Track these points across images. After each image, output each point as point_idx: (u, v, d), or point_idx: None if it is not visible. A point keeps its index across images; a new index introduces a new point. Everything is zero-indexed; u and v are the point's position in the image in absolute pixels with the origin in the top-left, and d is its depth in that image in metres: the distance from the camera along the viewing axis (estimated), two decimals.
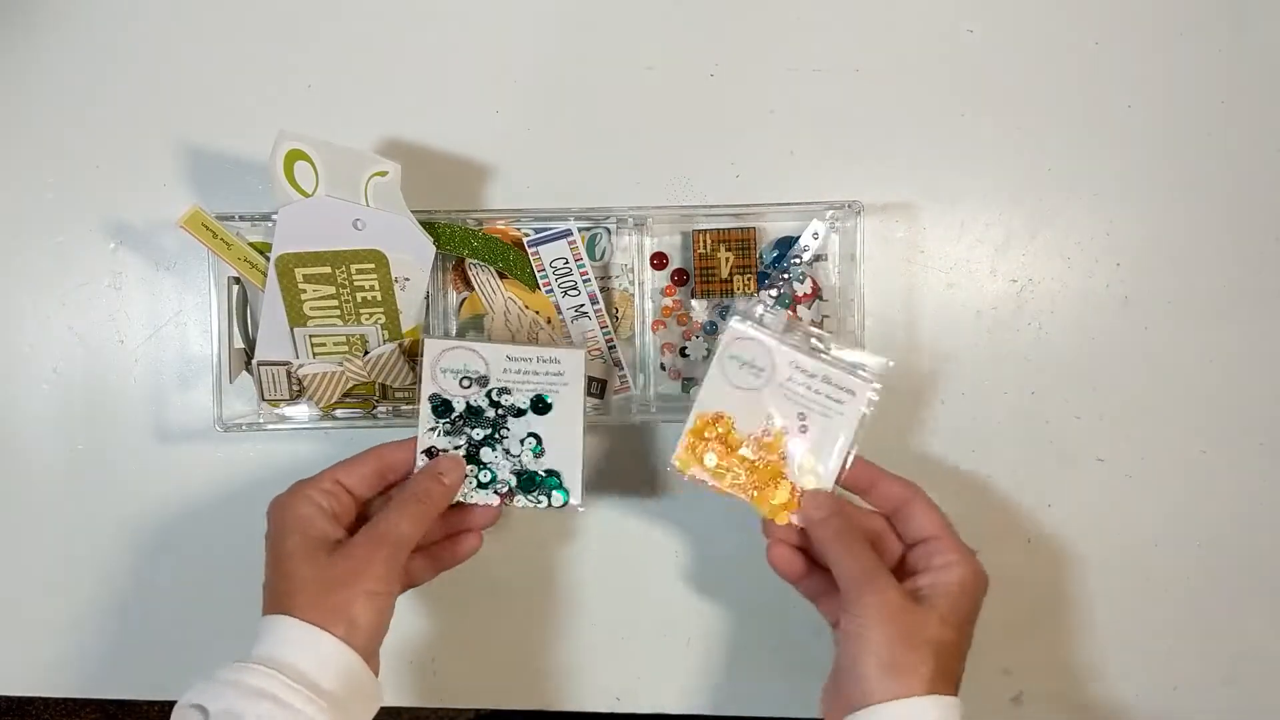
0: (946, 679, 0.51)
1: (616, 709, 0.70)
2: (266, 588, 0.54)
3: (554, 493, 0.60)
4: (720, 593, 0.69)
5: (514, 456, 0.59)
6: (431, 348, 0.59)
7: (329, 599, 0.51)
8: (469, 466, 0.59)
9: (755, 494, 0.59)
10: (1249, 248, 0.68)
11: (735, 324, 0.58)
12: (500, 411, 0.59)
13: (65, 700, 1.41)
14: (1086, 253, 0.68)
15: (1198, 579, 0.69)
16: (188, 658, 0.70)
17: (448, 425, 0.59)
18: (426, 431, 0.59)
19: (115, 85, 0.68)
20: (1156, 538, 0.69)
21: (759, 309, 0.58)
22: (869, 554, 0.55)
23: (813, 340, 0.58)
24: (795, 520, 0.58)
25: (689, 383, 0.66)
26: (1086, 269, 0.68)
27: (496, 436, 0.60)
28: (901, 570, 0.57)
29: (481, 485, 0.60)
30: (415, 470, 0.59)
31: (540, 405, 0.59)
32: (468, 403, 0.59)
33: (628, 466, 0.69)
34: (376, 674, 0.54)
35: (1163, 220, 0.68)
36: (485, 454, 0.59)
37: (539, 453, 0.60)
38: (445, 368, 0.59)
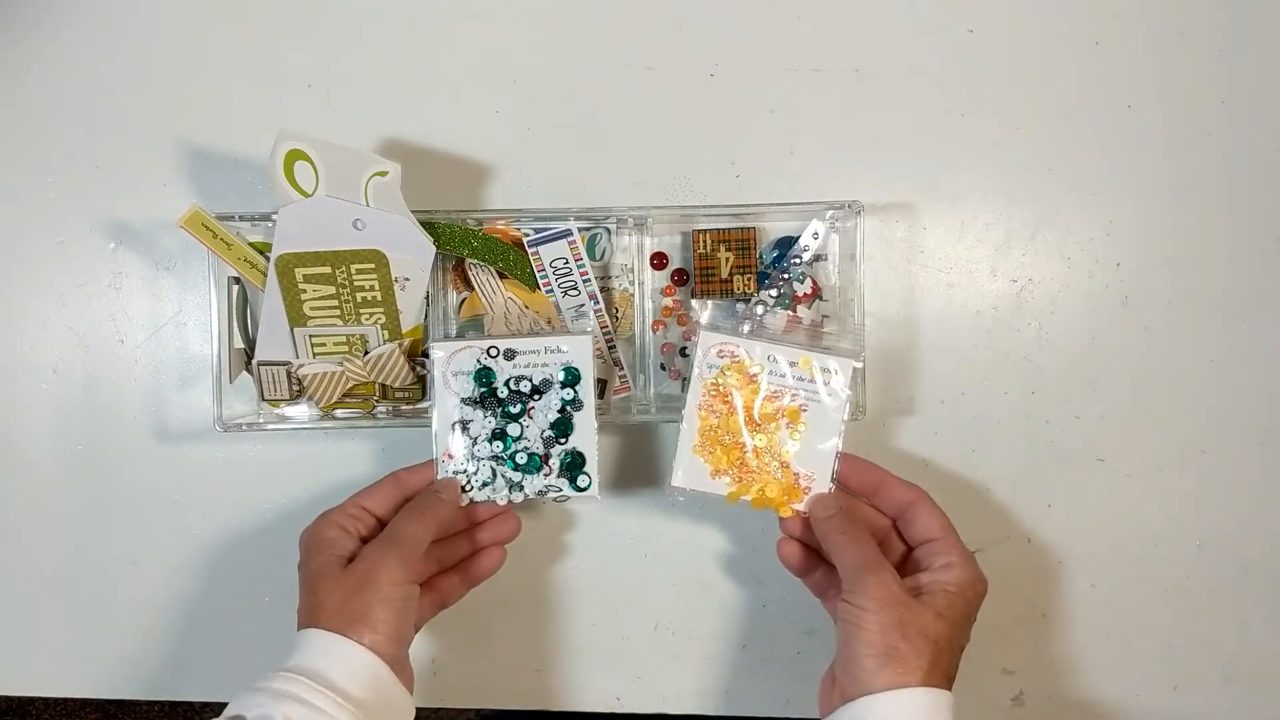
0: (941, 674, 0.52)
1: (616, 709, 0.70)
2: (299, 609, 0.57)
3: (579, 476, 0.61)
4: (720, 593, 0.69)
5: (542, 432, 0.60)
6: (440, 352, 0.60)
7: (349, 606, 0.54)
8: (497, 447, 0.61)
9: (755, 494, 0.59)
10: (1249, 248, 0.68)
11: (706, 332, 0.59)
12: (528, 391, 0.60)
13: (65, 700, 1.41)
14: (1086, 253, 0.68)
15: (1198, 579, 0.69)
16: (187, 657, 0.70)
17: (477, 407, 0.60)
18: (452, 424, 0.60)
19: (115, 85, 0.68)
20: (1156, 538, 0.69)
21: (738, 313, 0.60)
22: (871, 546, 0.56)
23: (789, 332, 0.60)
24: (801, 509, 0.59)
25: (689, 383, 0.66)
26: (1086, 269, 0.68)
27: (525, 417, 0.61)
28: (904, 570, 0.58)
29: (517, 467, 0.61)
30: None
31: (571, 375, 0.60)
32: (495, 388, 0.60)
33: (628, 467, 0.69)
34: (410, 682, 0.57)
35: (1163, 220, 0.68)
36: (513, 429, 0.60)
37: (563, 435, 0.61)
38: (456, 370, 0.60)
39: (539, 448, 0.61)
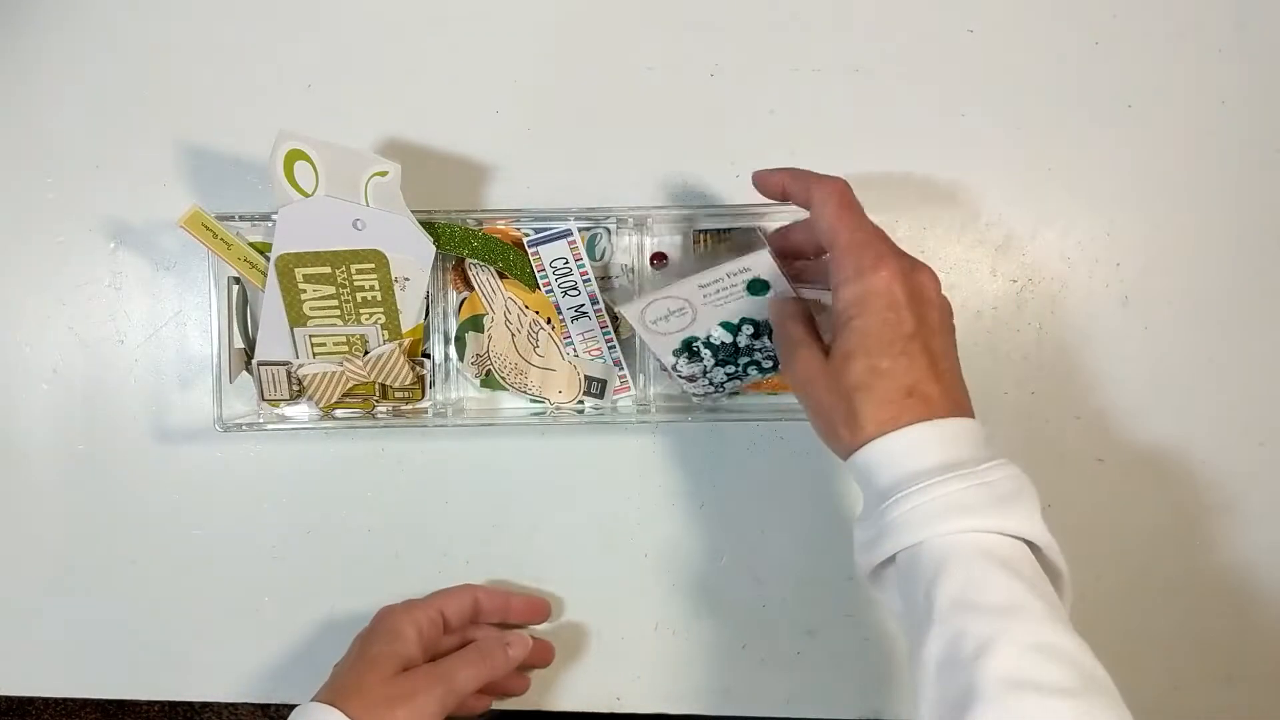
0: (895, 406, 0.47)
1: (616, 709, 0.70)
2: (337, 675, 0.60)
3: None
4: (721, 593, 0.69)
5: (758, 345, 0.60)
6: (631, 311, 0.59)
7: (377, 709, 0.56)
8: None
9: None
10: (1249, 247, 0.68)
11: (625, 308, 0.59)
12: (738, 338, 0.60)
13: (65, 700, 1.41)
14: (1086, 253, 0.68)
15: (1198, 579, 0.69)
16: (187, 658, 0.70)
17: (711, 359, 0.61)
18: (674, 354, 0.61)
19: (115, 85, 0.68)
20: (1156, 538, 0.69)
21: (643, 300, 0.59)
22: (792, 330, 0.53)
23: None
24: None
25: (690, 382, 0.66)
26: (1086, 269, 0.68)
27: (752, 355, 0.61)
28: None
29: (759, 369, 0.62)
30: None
31: (757, 287, 0.57)
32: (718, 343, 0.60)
33: (628, 467, 0.69)
34: None
35: (1163, 220, 0.68)
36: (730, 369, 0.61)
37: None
38: (653, 319, 0.59)
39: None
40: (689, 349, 0.61)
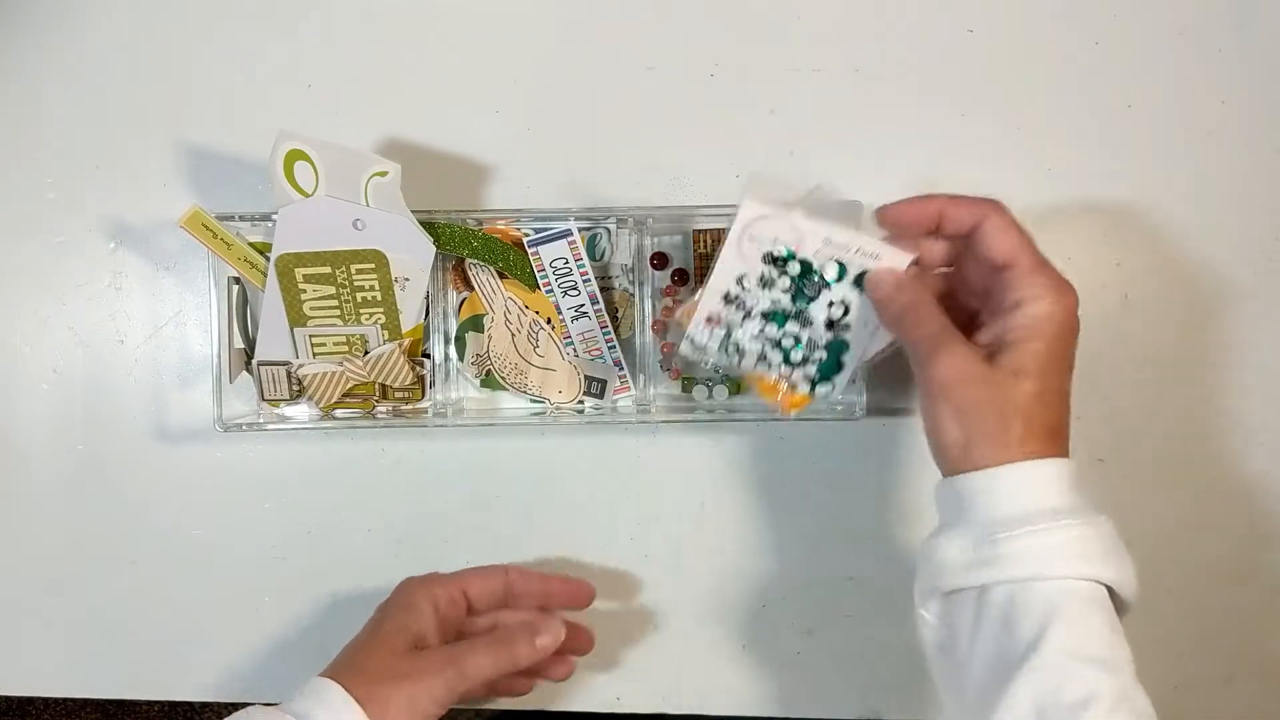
0: (1038, 439, 0.47)
1: (617, 709, 0.70)
2: (347, 648, 0.58)
3: (824, 381, 0.57)
4: (721, 593, 0.69)
5: (828, 323, 0.56)
6: (748, 210, 0.54)
7: (379, 686, 0.54)
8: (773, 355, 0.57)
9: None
10: (1249, 247, 0.68)
11: (749, 203, 0.54)
12: (818, 281, 0.55)
13: (65, 700, 1.41)
14: (1086, 253, 0.68)
15: (1198, 579, 0.69)
16: (187, 658, 0.70)
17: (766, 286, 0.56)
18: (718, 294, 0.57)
19: (115, 85, 0.68)
20: (1157, 538, 0.69)
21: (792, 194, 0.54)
22: (932, 318, 0.50)
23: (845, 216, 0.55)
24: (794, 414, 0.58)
25: (689, 382, 0.66)
26: (1086, 269, 0.68)
27: (804, 317, 0.56)
28: (991, 312, 0.52)
29: (787, 361, 0.57)
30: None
31: (860, 280, 0.55)
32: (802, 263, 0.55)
33: (628, 467, 0.69)
34: None
35: (1163, 220, 0.68)
36: (791, 327, 0.57)
37: (844, 322, 0.56)
38: (755, 235, 0.55)
39: (812, 340, 0.56)
40: (779, 264, 0.55)
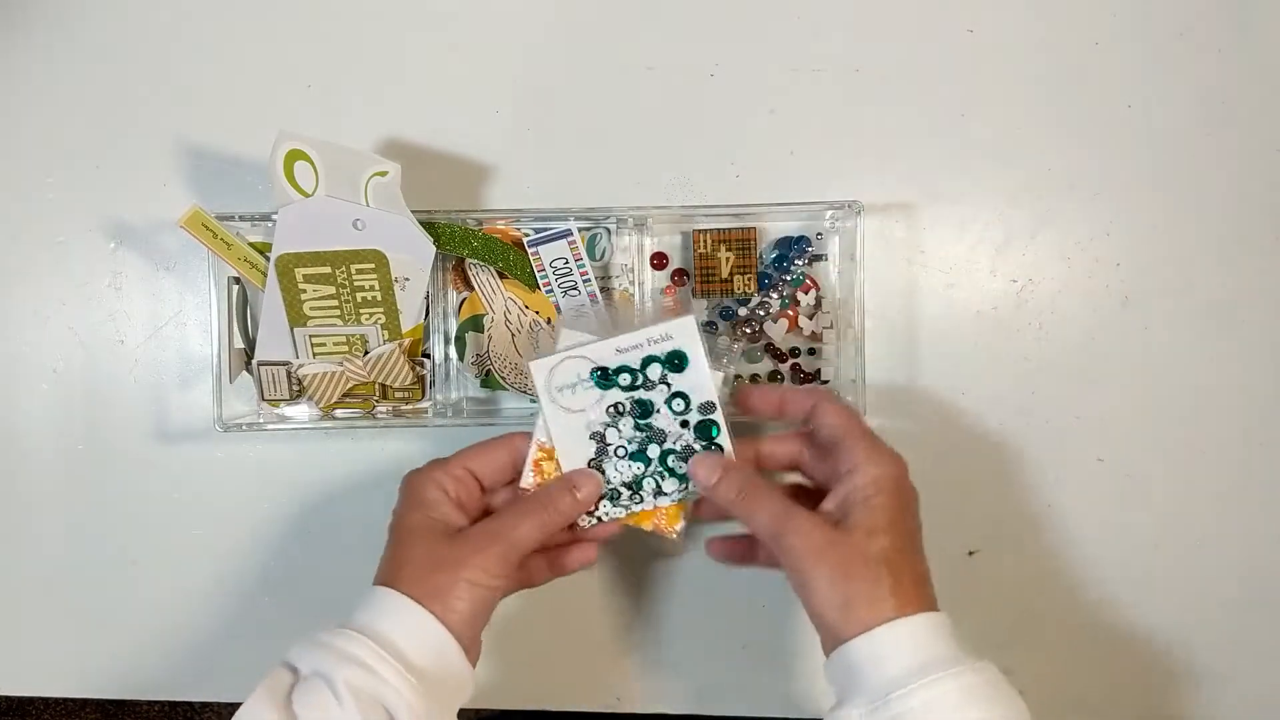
0: (906, 591, 0.49)
1: (616, 709, 0.70)
2: (382, 559, 0.55)
3: (710, 433, 0.57)
4: (720, 593, 0.69)
5: (677, 415, 0.57)
6: (539, 370, 0.56)
7: (432, 578, 0.52)
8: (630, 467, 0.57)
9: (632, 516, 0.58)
10: (1249, 247, 0.68)
11: (535, 364, 0.56)
12: (641, 381, 0.56)
13: (65, 700, 1.41)
14: (1086, 253, 0.68)
15: (1198, 579, 0.69)
16: (188, 657, 0.70)
17: (614, 410, 0.57)
18: (593, 436, 0.57)
19: (115, 85, 0.68)
20: (1156, 538, 0.69)
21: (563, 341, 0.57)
22: (775, 500, 0.53)
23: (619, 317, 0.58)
24: (679, 530, 0.58)
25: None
26: (1086, 269, 0.68)
27: (653, 408, 0.57)
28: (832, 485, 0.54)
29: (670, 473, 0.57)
30: (527, 460, 0.58)
31: (677, 362, 0.56)
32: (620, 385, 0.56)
33: None
34: (477, 658, 0.54)
35: (1163, 220, 0.68)
36: (657, 419, 0.57)
37: (689, 409, 0.57)
38: (560, 385, 0.57)
39: (677, 433, 0.57)
40: (605, 377, 0.56)
